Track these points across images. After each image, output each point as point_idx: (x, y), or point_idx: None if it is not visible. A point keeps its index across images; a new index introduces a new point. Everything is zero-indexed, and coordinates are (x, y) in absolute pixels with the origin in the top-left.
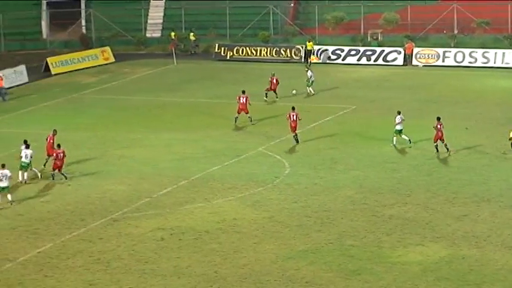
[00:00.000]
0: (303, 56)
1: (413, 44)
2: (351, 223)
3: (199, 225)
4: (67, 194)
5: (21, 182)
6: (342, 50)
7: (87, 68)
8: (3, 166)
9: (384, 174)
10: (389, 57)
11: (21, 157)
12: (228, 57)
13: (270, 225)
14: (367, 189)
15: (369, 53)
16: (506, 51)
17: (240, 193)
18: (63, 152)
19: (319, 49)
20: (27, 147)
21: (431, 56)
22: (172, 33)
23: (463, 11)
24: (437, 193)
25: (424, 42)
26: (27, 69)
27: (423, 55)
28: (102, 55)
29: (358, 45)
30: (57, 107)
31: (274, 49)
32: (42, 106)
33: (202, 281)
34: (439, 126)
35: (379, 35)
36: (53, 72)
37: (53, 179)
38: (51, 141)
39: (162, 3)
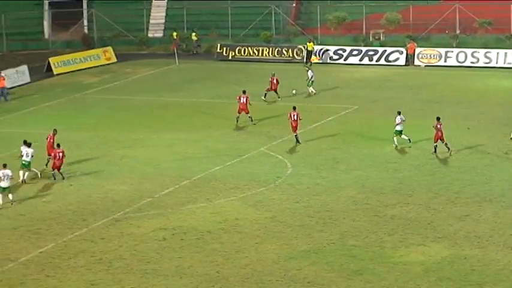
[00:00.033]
0: (305, 56)
1: (416, 44)
2: (353, 223)
3: (201, 225)
4: (69, 194)
5: (22, 181)
6: (344, 50)
7: (89, 68)
8: (4, 166)
9: (385, 174)
10: (391, 57)
11: (22, 156)
12: (230, 57)
13: (272, 225)
14: (369, 189)
15: (371, 53)
16: (509, 51)
17: (242, 193)
18: (63, 152)
19: (321, 49)
20: (29, 145)
21: (433, 56)
22: (174, 33)
23: (465, 11)
24: (439, 193)
25: (426, 42)
26: (29, 69)
27: (425, 55)
28: (104, 55)
29: (360, 45)
30: (59, 107)
31: (276, 49)
32: (44, 106)
33: (204, 281)
34: (438, 126)
35: (381, 35)
36: (55, 72)
37: (54, 178)
38: (51, 140)
39: (164, 3)
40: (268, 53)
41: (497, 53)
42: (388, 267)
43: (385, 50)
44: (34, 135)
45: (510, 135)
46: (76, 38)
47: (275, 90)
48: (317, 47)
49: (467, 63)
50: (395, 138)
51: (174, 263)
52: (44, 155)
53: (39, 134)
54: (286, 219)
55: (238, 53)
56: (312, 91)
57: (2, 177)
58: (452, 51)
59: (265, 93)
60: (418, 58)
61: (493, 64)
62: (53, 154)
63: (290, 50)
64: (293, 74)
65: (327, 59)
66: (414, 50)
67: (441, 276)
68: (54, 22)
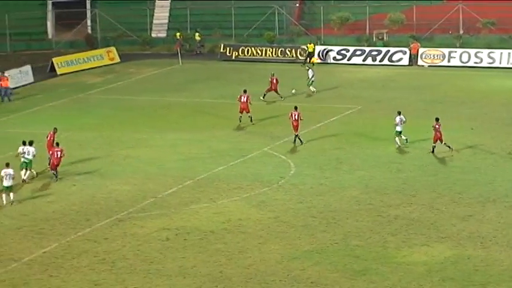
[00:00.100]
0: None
1: (419, 44)
2: (356, 223)
3: (205, 226)
4: (72, 194)
5: (22, 181)
6: (348, 50)
7: (92, 68)
8: (7, 165)
9: (389, 174)
10: (394, 58)
11: (23, 155)
12: (233, 58)
13: (275, 225)
14: (373, 189)
15: (374, 53)
16: None
17: (245, 193)
18: (61, 151)
19: (324, 49)
20: (31, 144)
21: (437, 56)
22: (178, 34)
23: (469, 11)
24: (443, 193)
25: (430, 43)
26: (33, 69)
27: (429, 55)
28: (108, 55)
29: (364, 46)
30: (63, 107)
31: (280, 49)
32: (48, 106)
33: (207, 281)
34: (437, 126)
35: (385, 35)
36: (58, 73)
37: (56, 179)
38: (52, 138)
39: (168, 3)
40: (272, 53)
41: (501, 53)
42: (391, 267)
43: (389, 50)
44: (37, 135)
45: None
46: (79, 38)
47: (275, 90)
48: (319, 47)
49: (470, 64)
50: (396, 138)
51: (177, 263)
52: (46, 154)
53: (43, 134)
54: (289, 220)
55: (242, 53)
56: (313, 90)
57: (5, 176)
58: (455, 52)
59: (265, 94)
60: (421, 58)
61: (496, 64)
62: (51, 152)
63: (293, 50)
64: (296, 74)
65: (330, 59)
66: (417, 50)
67: (444, 276)
68: (57, 22)
